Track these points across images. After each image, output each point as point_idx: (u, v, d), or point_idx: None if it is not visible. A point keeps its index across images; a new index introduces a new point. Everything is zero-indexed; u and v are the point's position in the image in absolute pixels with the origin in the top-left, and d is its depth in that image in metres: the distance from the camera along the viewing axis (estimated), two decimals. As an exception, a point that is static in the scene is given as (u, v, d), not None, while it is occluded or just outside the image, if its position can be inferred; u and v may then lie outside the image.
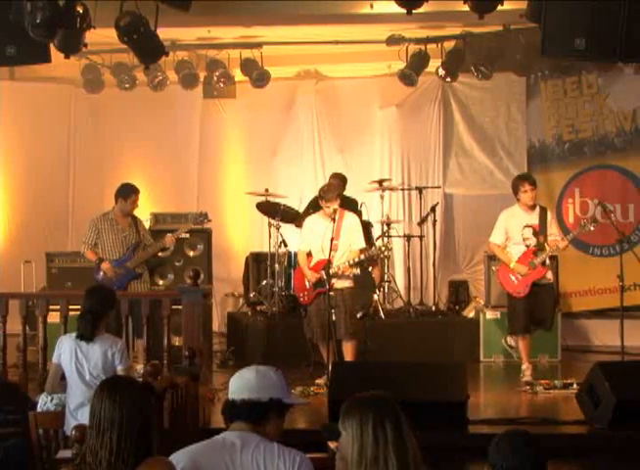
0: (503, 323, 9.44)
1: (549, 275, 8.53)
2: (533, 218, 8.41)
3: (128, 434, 3.07)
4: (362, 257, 8.16)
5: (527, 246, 8.36)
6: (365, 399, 3.03)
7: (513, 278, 8.39)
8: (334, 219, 8.02)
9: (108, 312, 5.84)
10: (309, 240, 8.30)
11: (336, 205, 8.07)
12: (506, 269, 8.46)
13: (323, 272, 7.96)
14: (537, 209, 8.47)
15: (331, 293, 7.91)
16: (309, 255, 8.33)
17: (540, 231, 8.36)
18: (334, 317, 7.89)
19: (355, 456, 2.92)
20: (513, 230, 8.44)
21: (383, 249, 8.53)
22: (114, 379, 3.53)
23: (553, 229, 8.52)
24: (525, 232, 8.39)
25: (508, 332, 8.97)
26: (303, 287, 8.31)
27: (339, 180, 9.55)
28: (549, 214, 8.53)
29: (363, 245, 8.26)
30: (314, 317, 8.15)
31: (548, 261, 8.52)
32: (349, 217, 8.28)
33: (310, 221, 8.41)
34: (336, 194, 8.15)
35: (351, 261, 8.08)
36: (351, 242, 8.17)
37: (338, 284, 8.05)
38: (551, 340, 9.29)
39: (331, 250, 7.94)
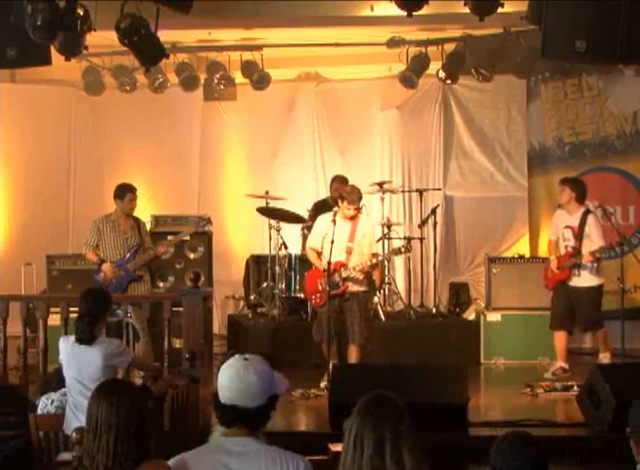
0: (504, 325, 9.42)
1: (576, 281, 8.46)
2: (574, 220, 8.42)
3: (125, 437, 3.06)
4: (374, 260, 8.09)
5: (566, 247, 8.43)
6: (370, 400, 3.04)
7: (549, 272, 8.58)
8: (354, 220, 8.02)
9: (105, 314, 5.80)
10: (322, 239, 8.07)
11: (357, 207, 8.03)
12: (548, 263, 8.63)
13: (337, 275, 7.93)
14: (581, 211, 8.42)
15: (345, 296, 7.92)
16: (319, 254, 8.15)
17: (578, 235, 8.36)
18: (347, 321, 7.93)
19: (356, 456, 2.93)
20: (558, 229, 8.56)
21: (402, 249, 8.54)
22: (111, 382, 3.52)
23: (592, 236, 8.33)
24: (566, 233, 8.46)
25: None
26: (316, 289, 8.10)
27: (340, 182, 9.54)
28: (590, 218, 8.38)
29: (376, 249, 8.28)
30: (326, 320, 7.95)
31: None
32: (365, 222, 8.22)
33: (325, 220, 8.18)
34: (358, 197, 8.05)
35: (369, 263, 8.03)
36: (364, 246, 8.09)
37: (353, 287, 8.00)
38: (551, 342, 9.27)
39: (347, 252, 7.94)
